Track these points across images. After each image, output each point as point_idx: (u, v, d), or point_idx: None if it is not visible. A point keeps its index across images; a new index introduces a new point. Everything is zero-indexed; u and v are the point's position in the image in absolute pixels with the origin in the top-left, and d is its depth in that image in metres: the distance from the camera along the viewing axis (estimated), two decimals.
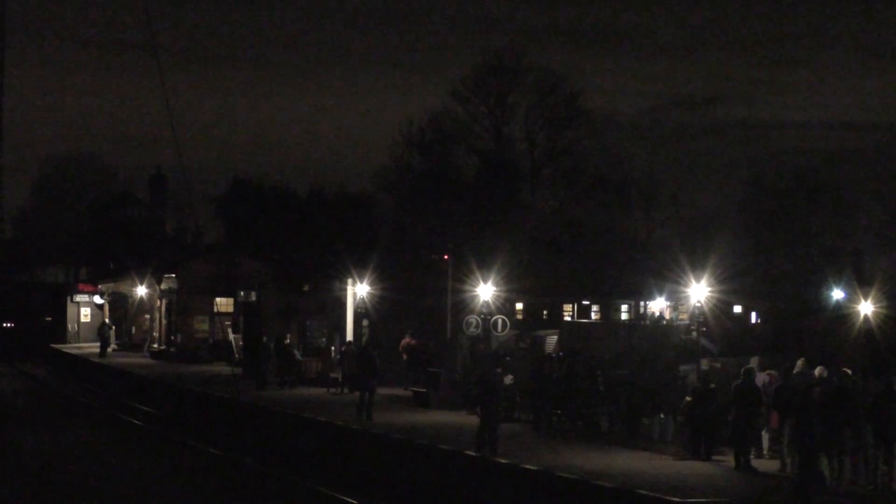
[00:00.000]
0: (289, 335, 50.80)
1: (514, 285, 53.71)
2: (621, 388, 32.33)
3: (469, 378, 36.82)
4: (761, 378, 27.33)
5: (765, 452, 27.26)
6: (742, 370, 27.02)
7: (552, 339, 44.71)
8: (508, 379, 34.83)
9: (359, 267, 49.13)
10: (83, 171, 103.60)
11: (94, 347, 67.50)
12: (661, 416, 30.65)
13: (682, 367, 33.51)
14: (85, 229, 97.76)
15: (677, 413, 29.26)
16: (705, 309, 38.59)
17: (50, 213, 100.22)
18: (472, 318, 43.09)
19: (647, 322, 63.98)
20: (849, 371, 26.12)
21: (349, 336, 46.79)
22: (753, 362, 28.16)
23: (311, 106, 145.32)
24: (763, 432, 27.36)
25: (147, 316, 71.23)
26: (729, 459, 26.59)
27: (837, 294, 60.00)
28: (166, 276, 64.88)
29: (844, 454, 24.08)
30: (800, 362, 27.63)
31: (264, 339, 48.44)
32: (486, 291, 44.17)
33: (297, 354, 47.82)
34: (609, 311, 72.15)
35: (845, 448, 24.04)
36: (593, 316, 71.99)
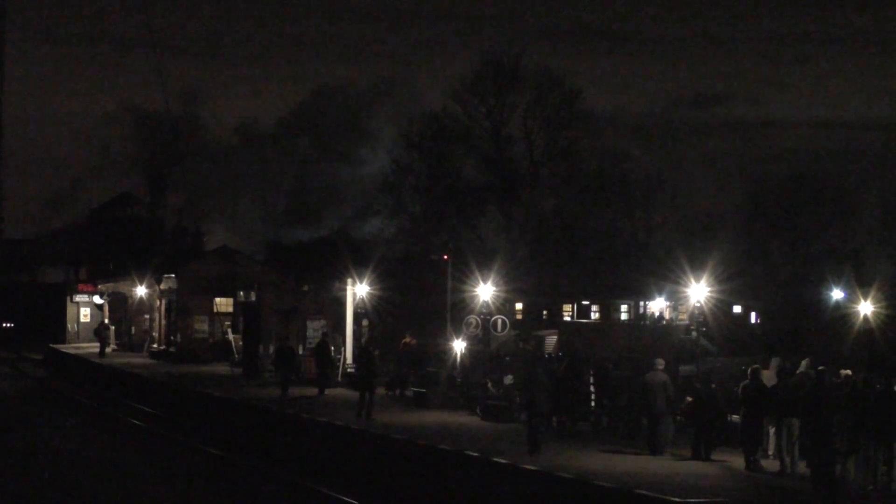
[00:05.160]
0: (327, 335, 46.93)
1: (514, 285, 53.68)
2: (621, 389, 32.30)
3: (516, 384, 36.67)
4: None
5: (770, 453, 27.09)
6: (749, 370, 26.88)
7: (552, 339, 44.78)
8: (508, 379, 34.87)
9: (359, 266, 49.05)
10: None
11: (93, 347, 67.47)
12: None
13: (682, 367, 33.49)
14: (85, 229, 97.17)
15: (678, 414, 29.24)
16: (705, 309, 38.62)
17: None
18: (472, 318, 43.05)
19: (647, 322, 64.09)
20: (849, 371, 26.08)
21: (349, 336, 46.45)
22: (775, 362, 28.07)
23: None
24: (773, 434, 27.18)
25: (147, 316, 71.19)
26: (729, 460, 26.56)
27: (837, 294, 60.09)
28: (166, 276, 64.85)
29: (846, 455, 24.06)
30: (804, 362, 27.53)
31: (288, 341, 46.62)
32: (485, 291, 44.16)
33: (333, 353, 46.01)
34: (609, 311, 72.13)
35: (843, 449, 24.02)
36: (593, 316, 71.99)
